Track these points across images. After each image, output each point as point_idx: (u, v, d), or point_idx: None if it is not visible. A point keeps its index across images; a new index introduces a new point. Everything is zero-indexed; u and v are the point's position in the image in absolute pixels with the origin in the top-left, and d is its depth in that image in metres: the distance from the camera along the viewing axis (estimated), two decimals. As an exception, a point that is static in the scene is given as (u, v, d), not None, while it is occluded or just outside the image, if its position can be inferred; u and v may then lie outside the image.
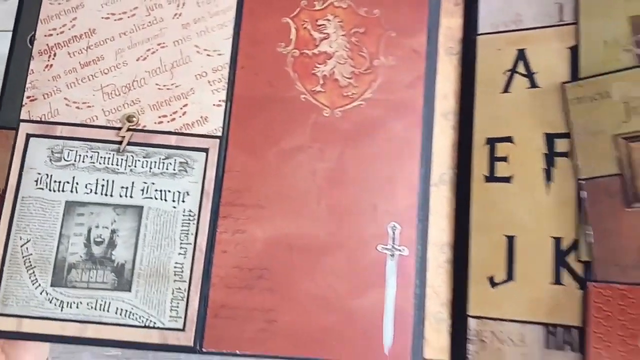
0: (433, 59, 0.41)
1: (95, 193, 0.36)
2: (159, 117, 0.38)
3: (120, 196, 0.36)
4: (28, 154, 0.37)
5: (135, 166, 0.37)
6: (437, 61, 0.41)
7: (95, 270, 0.35)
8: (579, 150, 0.36)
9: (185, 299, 0.35)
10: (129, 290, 0.35)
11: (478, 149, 0.39)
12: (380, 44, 0.40)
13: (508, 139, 0.39)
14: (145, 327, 0.35)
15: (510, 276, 0.37)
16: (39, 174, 0.36)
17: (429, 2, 0.41)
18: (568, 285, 0.36)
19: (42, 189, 0.36)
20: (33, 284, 0.35)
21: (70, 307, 0.35)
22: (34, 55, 0.38)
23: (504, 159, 0.39)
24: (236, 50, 0.39)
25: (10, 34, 0.59)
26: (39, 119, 0.37)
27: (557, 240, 0.36)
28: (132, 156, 0.37)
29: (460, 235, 0.39)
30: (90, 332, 0.35)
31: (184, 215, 0.36)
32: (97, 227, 0.36)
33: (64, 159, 0.37)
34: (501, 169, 0.38)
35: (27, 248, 0.35)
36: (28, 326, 0.35)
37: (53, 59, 0.38)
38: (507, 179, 0.38)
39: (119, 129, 0.37)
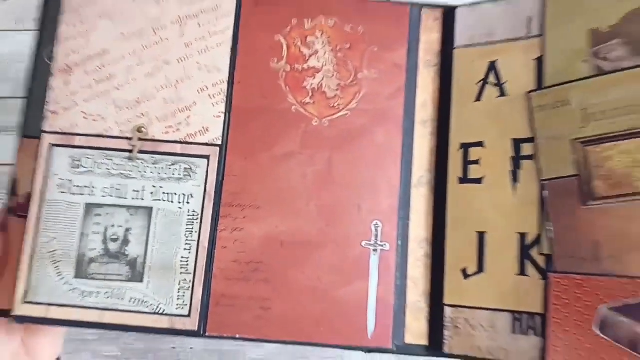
0: (413, 72, 0.45)
1: (111, 196, 0.41)
2: (166, 128, 0.42)
3: (133, 198, 0.41)
4: (51, 162, 0.41)
5: (145, 172, 0.41)
6: (416, 73, 0.45)
7: (112, 264, 0.40)
8: (542, 153, 0.40)
9: (190, 289, 0.40)
10: (141, 281, 0.40)
11: (453, 153, 0.43)
12: (364, 59, 0.44)
13: (479, 144, 0.42)
14: (155, 313, 0.40)
15: (481, 268, 0.41)
16: (61, 179, 0.41)
17: (410, 19, 0.45)
18: (532, 276, 0.39)
19: (64, 192, 0.41)
20: (58, 276, 0.40)
21: (90, 296, 0.40)
22: (54, 73, 0.43)
23: (476, 162, 0.42)
24: (233, 67, 0.43)
25: (9, 34, 0.67)
26: (59, 131, 0.42)
27: (522, 236, 0.40)
28: (142, 163, 0.41)
29: (437, 232, 0.43)
30: (108, 318, 0.40)
31: (188, 215, 0.41)
32: (112, 226, 0.41)
33: (83, 166, 0.41)
34: (473, 171, 0.42)
35: (52, 245, 0.40)
36: (54, 313, 0.40)
37: (71, 76, 0.43)
38: (478, 180, 0.42)
39: (131, 139, 0.42)
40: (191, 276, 0.40)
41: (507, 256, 0.40)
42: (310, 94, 0.43)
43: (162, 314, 0.40)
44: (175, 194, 0.41)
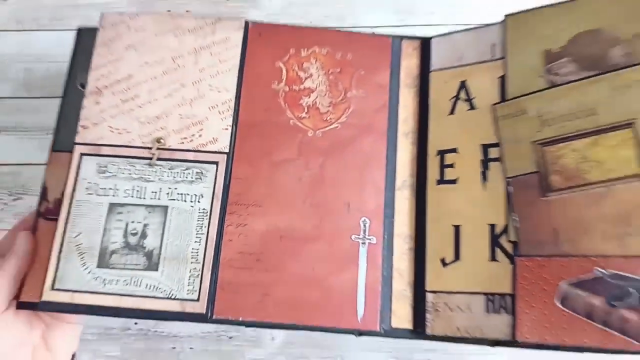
0: (395, 91, 0.52)
1: (132, 197, 0.47)
2: (181, 139, 0.49)
3: (151, 198, 0.47)
4: (81, 168, 0.48)
5: (162, 176, 0.47)
6: (398, 93, 0.52)
7: (131, 255, 0.45)
8: (506, 155, 0.46)
9: (199, 277, 0.45)
10: (157, 270, 0.45)
11: (431, 159, 0.49)
12: (353, 80, 0.51)
13: (454, 150, 0.49)
14: (168, 298, 0.44)
15: (457, 257, 0.46)
16: (89, 183, 0.47)
17: (392, 48, 0.52)
18: (501, 261, 0.44)
19: (91, 194, 0.47)
20: (83, 267, 0.45)
21: (111, 283, 0.45)
22: (86, 95, 0.50)
23: (451, 165, 0.48)
24: (240, 88, 0.50)
25: (9, 34, 0.69)
26: (89, 142, 0.49)
27: (492, 227, 0.45)
28: (160, 168, 0.48)
29: (418, 227, 0.49)
30: (125, 302, 0.44)
31: (199, 213, 0.47)
32: (132, 222, 0.46)
33: (108, 172, 0.48)
34: (449, 174, 0.48)
35: (78, 239, 0.46)
36: (78, 298, 0.45)
37: (101, 97, 0.50)
38: (453, 181, 0.48)
39: (151, 148, 0.48)
40: (200, 265, 0.45)
41: (480, 245, 0.45)
42: (306, 110, 0.50)
43: (174, 298, 0.45)
44: (188, 194, 0.47)
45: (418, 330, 0.46)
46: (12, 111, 0.69)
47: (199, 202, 0.47)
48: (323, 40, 0.52)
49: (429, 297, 0.46)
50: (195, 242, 0.46)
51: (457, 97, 0.50)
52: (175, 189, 0.47)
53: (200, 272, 0.45)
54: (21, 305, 0.46)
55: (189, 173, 0.48)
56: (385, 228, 0.48)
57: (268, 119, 0.50)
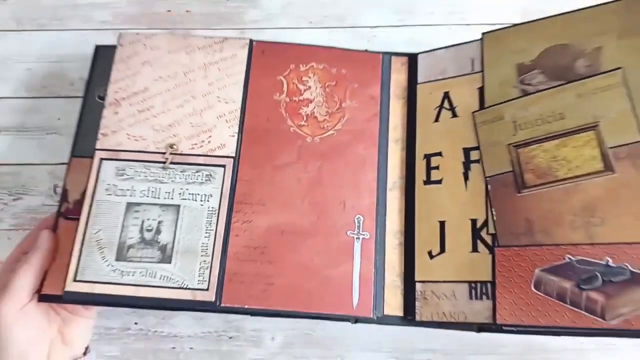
0: (386, 102, 0.57)
1: (147, 197, 0.52)
2: (192, 144, 0.54)
3: (165, 198, 0.52)
4: (101, 171, 0.53)
5: (175, 178, 0.52)
6: (389, 103, 0.57)
7: (146, 249, 0.50)
8: (485, 157, 0.51)
9: (209, 268, 0.49)
10: (170, 262, 0.50)
11: (418, 162, 0.54)
12: (347, 92, 0.57)
13: (439, 154, 0.54)
14: (180, 288, 0.49)
15: (442, 249, 0.51)
16: (108, 184, 0.52)
17: (382, 63, 0.58)
18: (482, 252, 0.49)
19: (110, 194, 0.52)
20: (102, 260, 0.50)
21: (128, 275, 0.49)
22: (106, 106, 0.55)
23: (436, 167, 0.53)
24: (245, 99, 0.55)
25: (9, 34, 0.70)
26: (109, 148, 0.53)
27: (474, 221, 0.50)
28: (173, 171, 0.53)
29: (408, 224, 0.53)
30: (142, 292, 0.49)
31: (208, 211, 0.51)
32: (148, 219, 0.51)
33: (126, 174, 0.52)
34: (434, 175, 0.53)
35: (98, 235, 0.50)
36: (98, 289, 0.49)
37: (119, 107, 0.55)
38: (439, 182, 0.53)
39: (164, 153, 0.53)
40: (210, 258, 0.50)
41: (463, 238, 0.50)
42: (305, 119, 0.55)
43: (185, 288, 0.49)
44: (198, 194, 0.52)
45: (408, 317, 0.50)
46: (12, 111, 0.68)
47: (208, 201, 0.52)
48: (320, 57, 0.58)
49: (418, 286, 0.51)
50: (205, 237, 0.50)
51: (441, 107, 0.55)
52: (187, 189, 0.52)
53: (209, 264, 0.50)
54: (43, 298, 0.50)
55: (199, 175, 0.52)
56: (377, 224, 0.53)
57: (271, 127, 0.55)
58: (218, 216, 0.51)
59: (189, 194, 0.52)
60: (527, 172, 0.48)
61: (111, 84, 0.56)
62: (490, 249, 0.49)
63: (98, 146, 0.54)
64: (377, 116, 0.56)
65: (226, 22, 0.71)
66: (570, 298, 0.44)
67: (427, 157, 0.54)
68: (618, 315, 0.42)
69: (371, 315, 0.50)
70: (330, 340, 0.59)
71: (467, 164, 0.52)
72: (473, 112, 0.53)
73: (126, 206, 0.51)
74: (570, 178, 0.47)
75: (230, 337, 0.60)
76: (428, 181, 0.53)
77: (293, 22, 0.70)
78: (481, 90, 0.53)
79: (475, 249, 0.49)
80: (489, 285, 0.48)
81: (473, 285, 0.49)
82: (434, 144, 0.54)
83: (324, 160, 0.54)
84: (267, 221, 0.52)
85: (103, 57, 0.61)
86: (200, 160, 0.53)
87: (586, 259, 0.45)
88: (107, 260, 0.50)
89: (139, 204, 0.51)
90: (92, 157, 0.53)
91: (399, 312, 0.51)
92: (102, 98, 0.58)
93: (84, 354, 0.54)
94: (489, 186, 0.50)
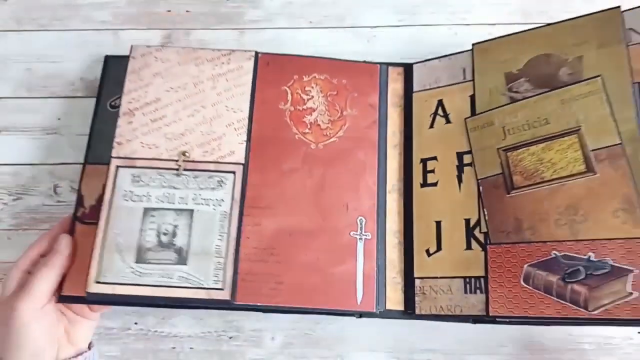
0: (384, 110, 0.61)
1: (162, 202, 0.55)
2: (203, 152, 0.57)
3: (179, 203, 0.55)
4: (117, 178, 0.56)
5: (188, 184, 0.56)
6: (387, 111, 0.61)
7: (163, 252, 0.53)
8: (477, 160, 0.55)
9: (223, 269, 0.53)
10: (186, 264, 0.53)
11: (415, 166, 0.58)
12: (347, 101, 0.60)
13: (434, 158, 0.58)
14: (197, 288, 0.52)
15: (439, 247, 0.55)
16: (125, 191, 0.55)
17: (380, 73, 0.62)
18: (475, 249, 0.53)
19: (127, 200, 0.55)
20: (122, 262, 0.53)
21: (147, 276, 0.52)
22: (120, 116, 0.58)
23: (432, 171, 0.57)
24: (252, 108, 0.59)
25: (9, 34, 0.71)
26: (124, 156, 0.57)
27: (467, 221, 0.54)
28: (186, 177, 0.56)
29: (406, 225, 0.57)
30: (160, 292, 0.52)
31: (220, 215, 0.55)
32: (164, 224, 0.54)
33: (142, 181, 0.56)
34: (430, 178, 0.57)
35: (118, 239, 0.54)
36: (119, 289, 0.52)
37: (133, 117, 0.58)
38: (434, 184, 0.57)
39: (177, 160, 0.56)
40: (223, 259, 0.53)
41: (457, 237, 0.54)
42: (309, 126, 0.59)
43: (201, 288, 0.52)
44: (211, 199, 0.55)
45: (409, 311, 0.54)
46: (12, 111, 0.68)
47: (220, 205, 0.55)
48: (321, 68, 0.61)
49: (417, 282, 0.55)
50: (218, 239, 0.54)
51: (435, 114, 0.59)
52: (200, 194, 0.55)
53: (223, 265, 0.53)
54: (63, 299, 0.54)
55: (211, 181, 0.56)
56: (378, 225, 0.56)
57: (277, 135, 0.58)
58: (230, 220, 0.55)
59: (202, 199, 0.55)
60: (515, 174, 0.52)
61: (124, 94, 0.59)
62: (483, 247, 0.53)
63: (114, 154, 0.57)
64: (376, 123, 0.60)
65: (226, 22, 0.72)
66: (556, 291, 0.48)
67: (424, 161, 0.58)
68: (600, 305, 0.46)
69: (374, 310, 0.54)
70: (330, 340, 0.60)
71: (460, 167, 0.56)
72: (465, 119, 0.57)
73: (143, 211, 0.55)
74: (556, 179, 0.51)
75: (230, 337, 0.61)
76: (425, 184, 0.57)
77: (293, 22, 0.71)
78: (472, 97, 0.57)
79: (469, 246, 0.53)
80: (482, 280, 0.52)
81: (467, 280, 0.53)
82: (429, 148, 0.58)
83: (327, 165, 0.58)
84: (276, 224, 0.55)
85: (113, 66, 0.65)
86: (212, 167, 0.56)
87: (570, 254, 0.49)
88: (126, 263, 0.53)
89: (155, 209, 0.55)
90: (105, 164, 0.56)
91: (400, 307, 0.55)
92: (114, 107, 0.62)
93: (89, 348, 0.57)
94: (480, 188, 0.54)
